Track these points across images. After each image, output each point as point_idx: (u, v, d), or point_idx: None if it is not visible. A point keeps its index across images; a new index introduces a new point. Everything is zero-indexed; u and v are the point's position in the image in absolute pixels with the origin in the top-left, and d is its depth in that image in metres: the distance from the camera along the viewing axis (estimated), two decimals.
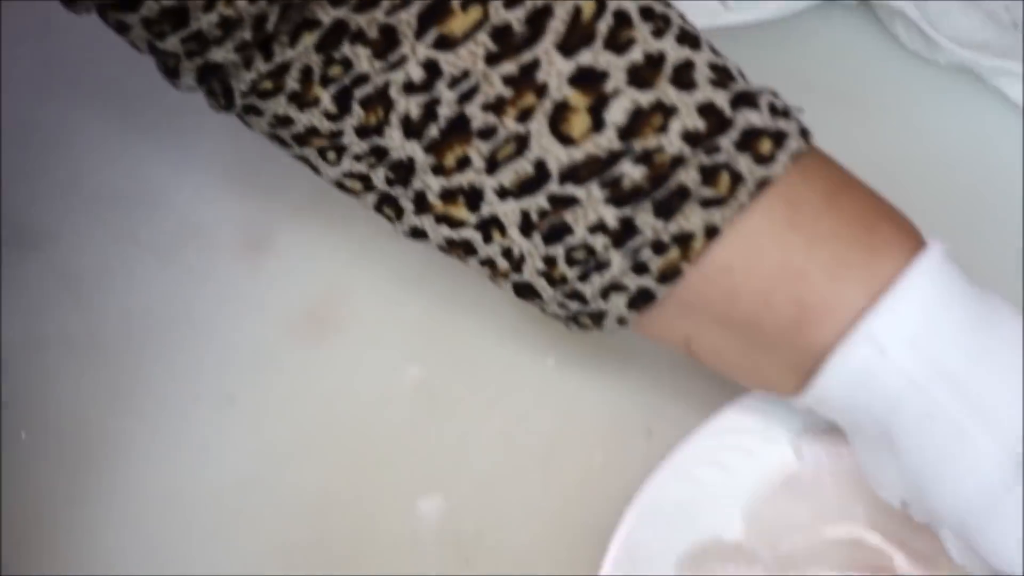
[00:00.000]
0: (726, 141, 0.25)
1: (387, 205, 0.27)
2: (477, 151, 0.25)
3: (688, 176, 0.24)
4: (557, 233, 0.25)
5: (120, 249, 0.35)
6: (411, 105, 0.25)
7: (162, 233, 0.36)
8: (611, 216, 0.25)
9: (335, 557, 0.30)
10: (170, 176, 0.36)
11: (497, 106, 0.25)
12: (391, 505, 0.31)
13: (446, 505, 0.31)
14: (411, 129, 0.25)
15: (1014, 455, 0.23)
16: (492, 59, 0.25)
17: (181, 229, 0.36)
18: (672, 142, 0.24)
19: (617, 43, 0.25)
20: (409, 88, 0.25)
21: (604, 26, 0.25)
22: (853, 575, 0.30)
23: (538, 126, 0.24)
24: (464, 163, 0.25)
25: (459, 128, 0.25)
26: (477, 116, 0.25)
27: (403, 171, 0.26)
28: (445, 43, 0.25)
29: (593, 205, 0.25)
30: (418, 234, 0.27)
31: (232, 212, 0.36)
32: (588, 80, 0.24)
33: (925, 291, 0.24)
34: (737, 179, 0.24)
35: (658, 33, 0.25)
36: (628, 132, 0.24)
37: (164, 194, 0.36)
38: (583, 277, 0.25)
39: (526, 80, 0.24)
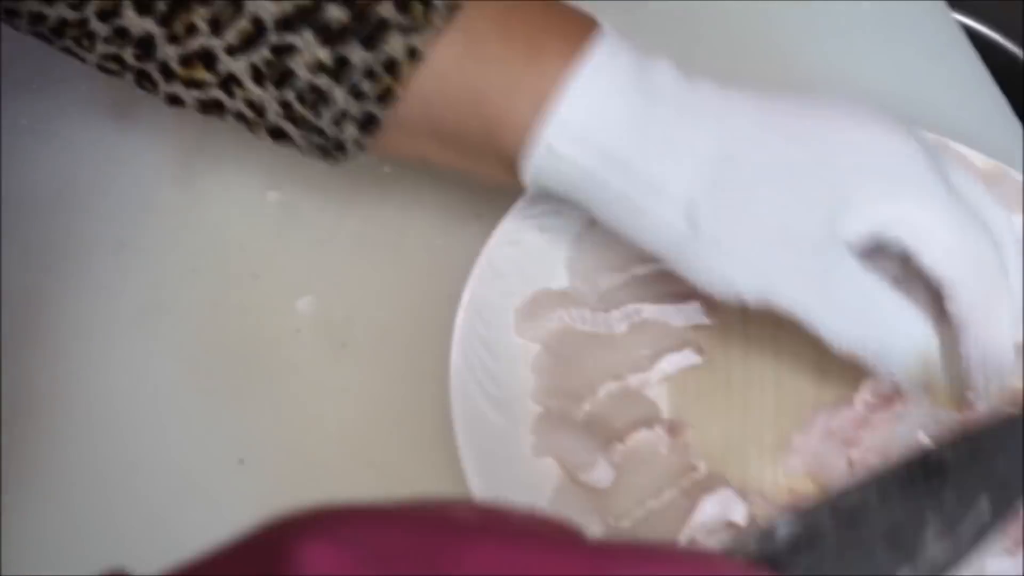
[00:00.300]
0: None
1: (144, 79, 0.31)
2: (201, 17, 0.29)
3: (386, 9, 0.28)
4: (284, 78, 0.29)
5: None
6: None
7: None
8: (326, 55, 0.29)
9: (235, 357, 0.35)
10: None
11: None
12: (273, 309, 0.36)
13: (318, 301, 0.36)
14: (142, 6, 0.29)
15: (686, 213, 0.29)
16: None
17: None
18: None
19: None
20: None
21: None
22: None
23: None
24: (192, 30, 0.29)
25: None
26: None
27: (145, 46, 0.29)
28: None
29: (309, 48, 0.29)
30: (176, 101, 0.31)
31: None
32: None
33: (587, 91, 0.29)
34: (428, 6, 0.29)
35: None
36: None
37: None
38: (316, 113, 0.30)
39: None
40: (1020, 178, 0.38)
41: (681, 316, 0.36)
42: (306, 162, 0.34)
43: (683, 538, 0.31)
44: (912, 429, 0.33)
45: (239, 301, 0.36)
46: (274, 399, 0.34)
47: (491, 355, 0.33)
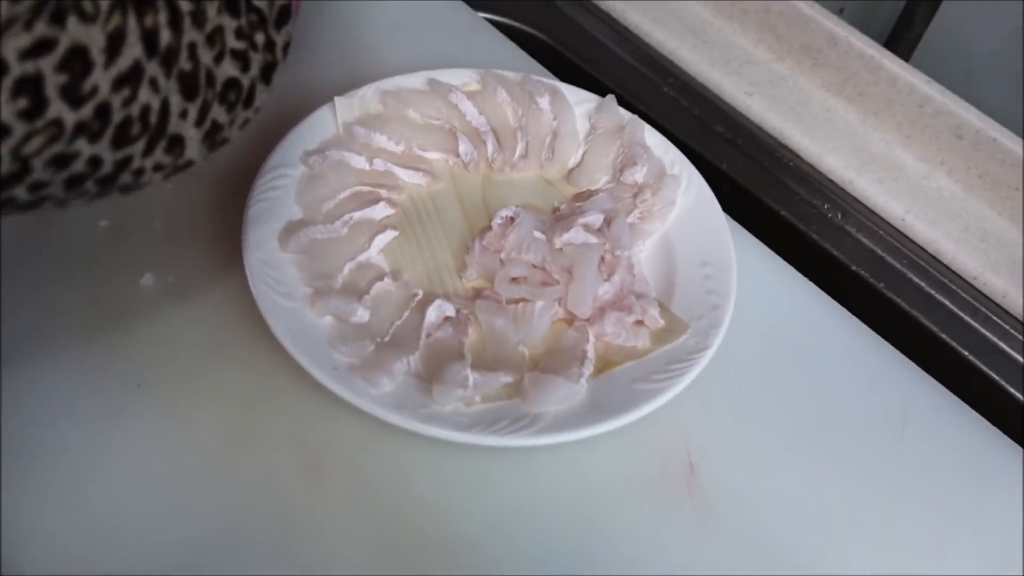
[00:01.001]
0: None
1: None
2: None
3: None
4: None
5: None
6: None
7: None
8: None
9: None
10: None
11: None
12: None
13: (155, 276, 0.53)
14: None
15: None
16: None
17: None
18: None
19: None
20: None
21: None
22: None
23: None
24: None
25: None
26: None
27: None
28: None
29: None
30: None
31: None
32: None
33: None
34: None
35: None
36: None
37: None
38: None
39: None
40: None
41: (376, 212, 0.56)
42: None
43: (423, 337, 0.51)
44: (527, 232, 0.55)
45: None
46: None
47: (271, 267, 0.51)
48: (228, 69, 0.35)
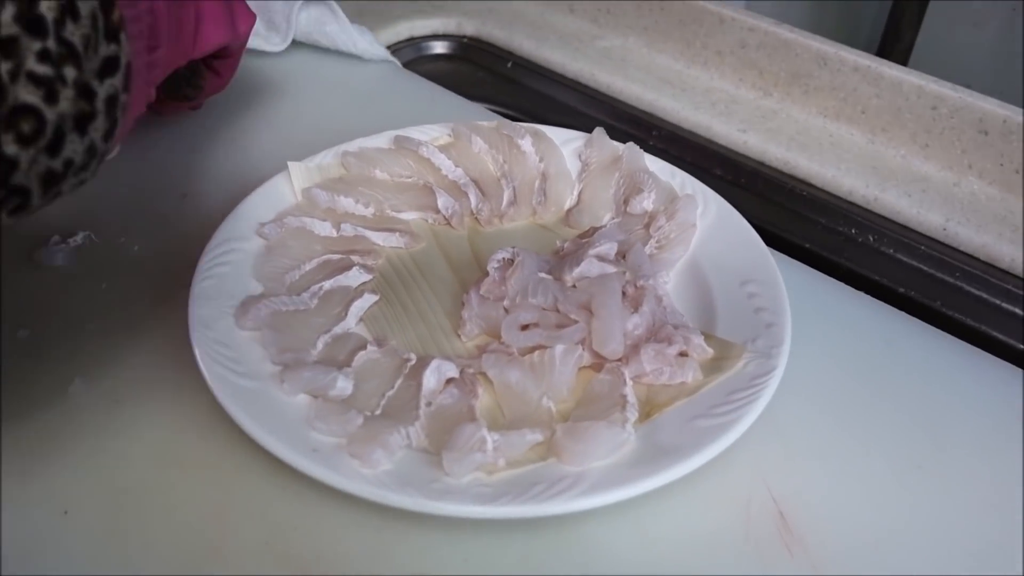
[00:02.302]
0: None
1: None
2: None
3: None
4: None
5: None
6: None
7: None
8: None
9: None
10: None
11: None
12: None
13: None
14: None
15: None
16: None
17: None
18: None
19: None
20: None
21: None
22: None
23: None
24: None
25: None
26: None
27: None
28: None
29: None
30: None
31: None
32: None
33: None
34: None
35: None
36: None
37: None
38: None
39: None
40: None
41: (351, 280, 0.47)
42: None
43: (422, 406, 0.41)
44: (531, 272, 0.46)
45: None
46: None
47: (225, 347, 0.42)
48: (23, 93, 0.30)
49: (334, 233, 0.50)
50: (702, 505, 0.38)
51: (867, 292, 0.51)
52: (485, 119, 0.59)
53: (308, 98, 0.66)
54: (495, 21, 0.81)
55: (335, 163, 0.54)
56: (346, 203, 0.51)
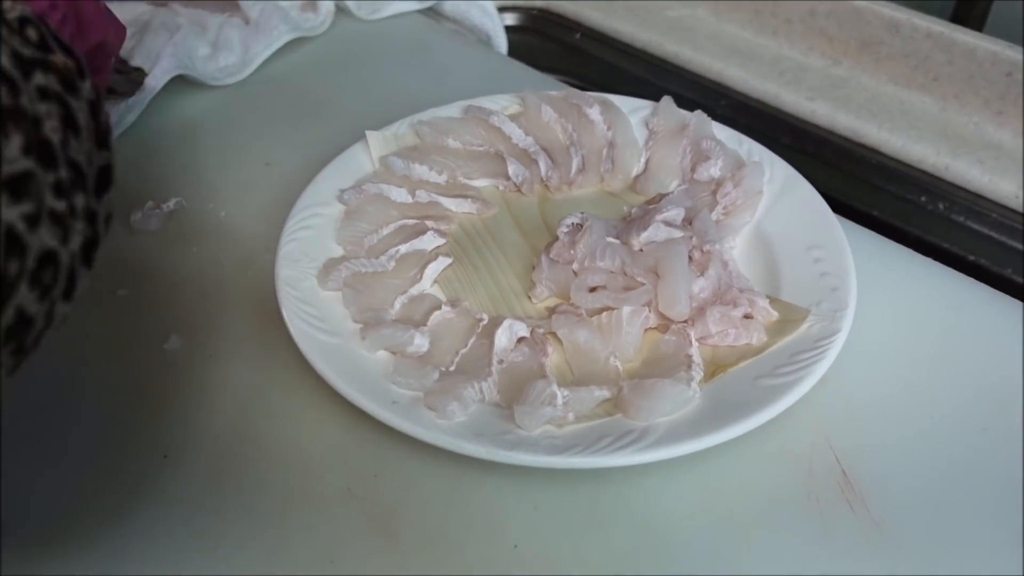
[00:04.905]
0: None
1: None
2: None
3: None
4: None
5: None
6: None
7: None
8: None
9: None
10: None
11: None
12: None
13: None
14: None
15: None
16: None
17: None
18: None
19: None
20: None
21: None
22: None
23: None
24: None
25: None
26: None
27: None
28: None
29: None
30: None
31: None
32: None
33: None
34: None
35: None
36: None
37: None
38: None
39: None
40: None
41: (426, 243, 0.49)
42: None
43: (494, 363, 0.43)
44: (599, 237, 0.47)
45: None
46: None
47: (309, 305, 0.44)
48: (45, 237, 0.24)
49: (410, 199, 0.52)
50: (765, 462, 0.40)
51: (936, 259, 0.51)
52: (554, 89, 0.61)
53: (382, 69, 0.68)
54: None
55: (410, 132, 0.56)
56: (421, 170, 0.53)
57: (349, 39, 0.72)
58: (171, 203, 0.54)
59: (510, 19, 0.84)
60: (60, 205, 0.25)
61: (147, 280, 0.49)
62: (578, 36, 0.80)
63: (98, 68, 0.51)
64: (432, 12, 0.77)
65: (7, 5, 0.25)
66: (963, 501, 0.38)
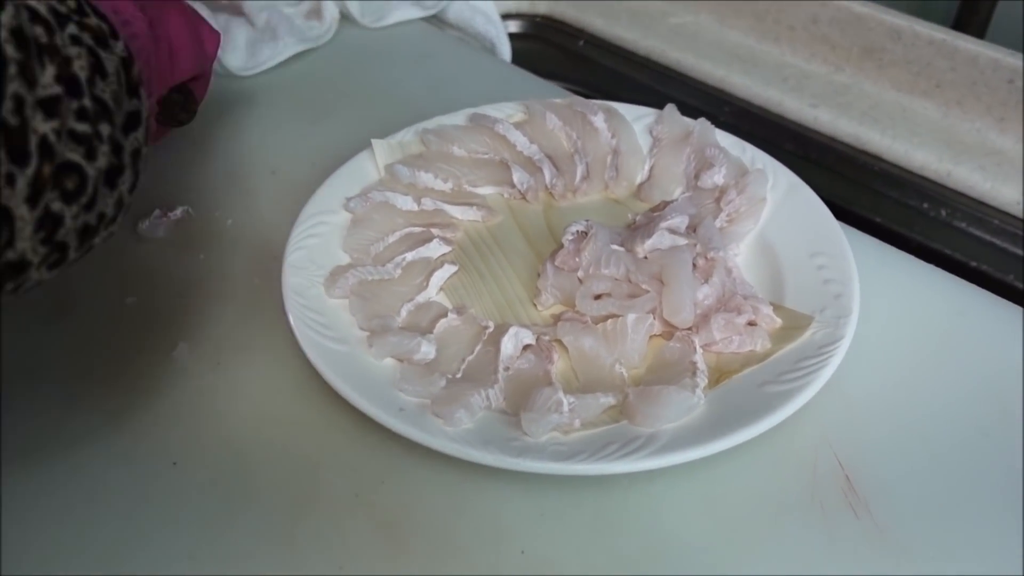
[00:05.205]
0: None
1: None
2: None
3: None
4: None
5: None
6: None
7: None
8: None
9: None
10: None
11: None
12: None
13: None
14: None
15: None
16: None
17: None
18: None
19: None
20: None
21: None
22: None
23: None
24: None
25: None
26: None
27: None
28: None
29: None
30: None
31: None
32: None
33: None
34: None
35: None
36: None
37: None
38: None
39: None
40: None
41: (431, 251, 0.50)
42: None
43: (500, 371, 0.43)
44: (604, 244, 0.48)
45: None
46: None
47: (317, 313, 0.44)
48: (67, 151, 0.30)
49: (415, 207, 0.52)
50: (769, 468, 0.40)
51: (938, 265, 0.51)
52: (558, 97, 0.61)
53: (386, 77, 0.68)
54: (566, 0, 0.82)
55: (415, 140, 0.56)
56: (426, 178, 0.53)
57: (354, 47, 0.72)
58: (178, 211, 0.54)
59: (513, 26, 0.85)
60: (83, 127, 0.30)
61: (155, 288, 0.50)
62: (581, 43, 0.80)
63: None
64: (436, 19, 0.77)
65: None
66: (965, 505, 0.39)
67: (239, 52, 0.67)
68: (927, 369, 0.44)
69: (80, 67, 0.30)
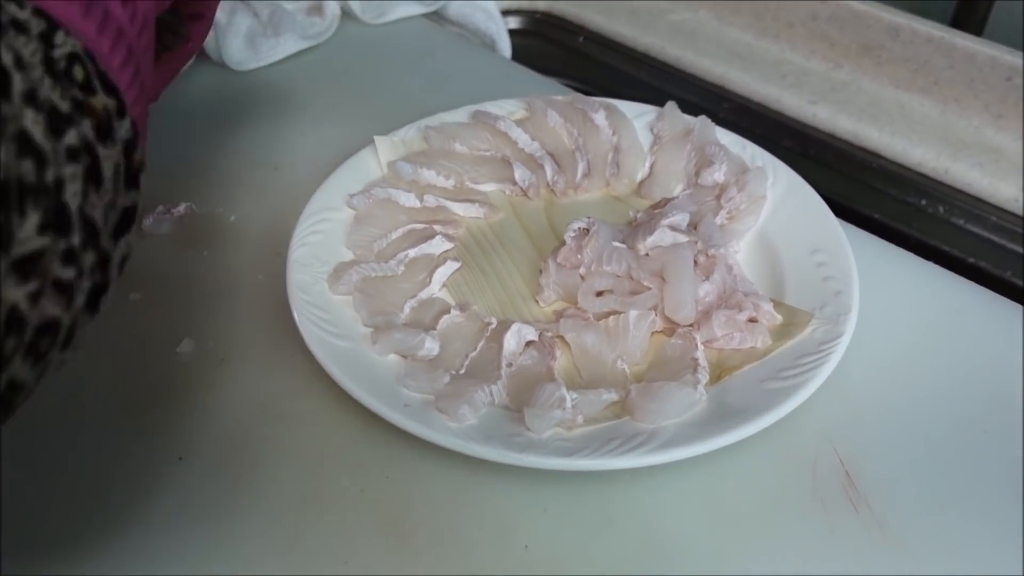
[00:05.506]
0: None
1: None
2: None
3: None
4: None
5: None
6: None
7: None
8: None
9: None
10: None
11: None
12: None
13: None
14: None
15: None
16: None
17: None
18: None
19: None
20: None
21: None
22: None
23: None
24: None
25: None
26: None
27: None
28: None
29: None
30: None
31: None
32: None
33: None
34: None
35: None
36: None
37: None
38: None
39: None
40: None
41: (434, 248, 0.50)
42: None
43: (503, 367, 0.44)
44: (606, 241, 0.48)
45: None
46: None
47: (321, 310, 0.45)
48: (47, 308, 0.24)
49: (418, 204, 0.52)
50: (770, 463, 0.40)
51: (937, 262, 0.51)
52: (559, 94, 0.61)
53: (388, 73, 0.69)
54: None
55: (417, 137, 0.56)
56: (428, 175, 0.54)
57: (355, 43, 0.72)
58: (181, 207, 0.55)
59: (513, 23, 0.85)
60: (68, 273, 0.25)
61: (159, 284, 0.50)
62: (581, 39, 0.81)
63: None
64: (436, 16, 0.77)
65: (59, 39, 0.26)
66: (964, 501, 0.39)
67: (239, 43, 0.67)
68: (926, 365, 0.45)
69: (73, 193, 0.25)
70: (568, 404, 0.40)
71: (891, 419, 0.42)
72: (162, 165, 0.58)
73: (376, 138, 0.55)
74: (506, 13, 0.84)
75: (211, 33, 0.65)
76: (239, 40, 0.67)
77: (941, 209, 0.61)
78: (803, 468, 0.40)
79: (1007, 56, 0.61)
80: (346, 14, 0.74)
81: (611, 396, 0.41)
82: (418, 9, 0.75)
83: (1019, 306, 0.48)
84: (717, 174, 0.53)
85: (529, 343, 0.45)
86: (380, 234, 0.50)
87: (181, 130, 0.62)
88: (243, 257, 0.51)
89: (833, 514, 0.38)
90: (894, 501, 0.39)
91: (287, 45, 0.69)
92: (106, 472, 0.41)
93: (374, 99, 0.66)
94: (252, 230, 0.53)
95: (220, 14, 0.67)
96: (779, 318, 0.44)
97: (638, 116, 0.58)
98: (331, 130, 0.61)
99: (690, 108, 0.58)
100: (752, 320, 0.44)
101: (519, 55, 0.78)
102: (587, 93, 0.60)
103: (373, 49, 0.72)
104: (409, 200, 0.52)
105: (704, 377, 0.42)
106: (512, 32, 0.82)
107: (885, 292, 0.48)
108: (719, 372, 0.43)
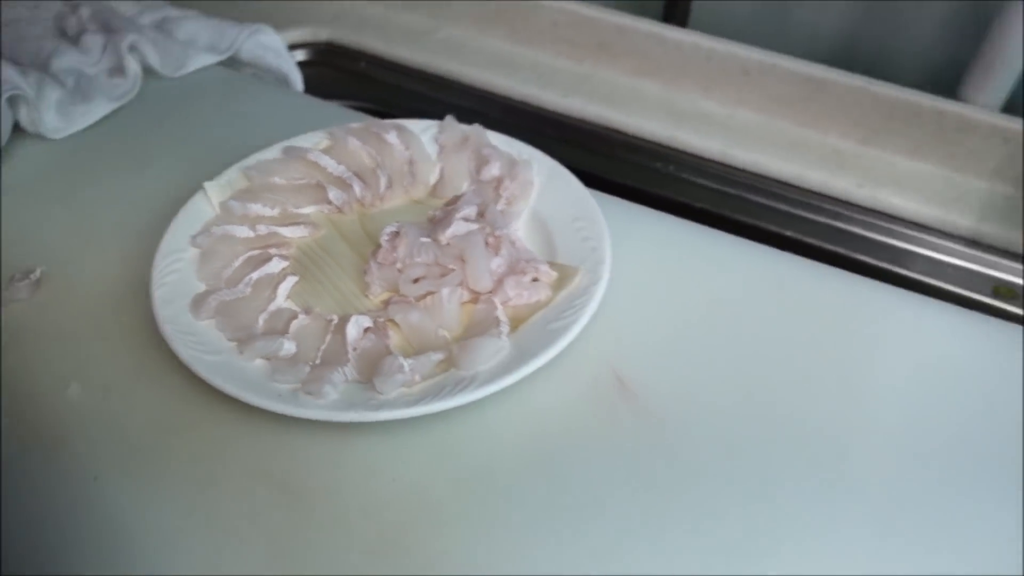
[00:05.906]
0: None
1: None
2: None
3: None
4: None
5: None
6: None
7: None
8: None
9: None
10: None
11: None
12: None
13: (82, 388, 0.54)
14: None
15: None
16: None
17: None
18: None
19: None
20: None
21: None
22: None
23: None
24: None
25: None
26: None
27: None
28: None
29: None
30: None
31: None
32: None
33: None
34: None
35: None
36: None
37: None
38: None
39: None
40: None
41: (273, 268, 0.60)
42: None
43: (350, 352, 0.54)
44: (414, 239, 0.60)
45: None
46: None
47: (191, 335, 0.54)
48: None
49: (252, 234, 0.62)
50: (563, 382, 0.54)
51: (675, 209, 0.67)
52: (352, 118, 0.72)
53: (199, 122, 0.77)
54: (345, 26, 0.93)
55: (240, 177, 0.66)
56: (256, 208, 0.63)
57: (161, 97, 0.80)
58: (36, 273, 0.61)
59: (301, 55, 0.94)
60: None
61: (35, 342, 0.57)
62: (363, 64, 0.91)
63: None
64: (232, 61, 0.86)
65: None
66: (707, 387, 0.54)
67: (51, 114, 0.74)
68: (672, 295, 0.60)
69: None
70: (406, 369, 0.51)
71: (649, 338, 0.57)
72: (7, 237, 0.65)
73: (206, 184, 0.64)
74: (293, 47, 0.94)
75: (23, 108, 0.71)
76: (51, 112, 0.74)
77: (671, 168, 0.77)
78: (588, 380, 0.54)
79: (705, 41, 0.78)
80: (147, 71, 0.81)
81: (438, 356, 0.53)
82: (213, 58, 0.83)
83: (738, 238, 0.64)
84: (493, 170, 0.65)
85: (367, 330, 0.56)
86: (225, 264, 0.60)
87: (17, 202, 0.68)
88: (107, 304, 0.59)
89: (613, 410, 0.52)
90: (655, 394, 0.53)
91: (98, 108, 0.75)
92: (27, 492, 0.49)
93: (190, 147, 0.74)
94: (107, 279, 0.61)
95: (28, 89, 0.73)
96: (554, 275, 0.58)
97: (424, 131, 0.70)
98: (157, 181, 0.69)
99: (465, 113, 0.71)
100: (535, 280, 0.57)
101: (310, 84, 0.88)
102: (375, 112, 0.71)
103: (180, 100, 0.80)
104: (243, 232, 0.62)
105: (505, 329, 0.54)
106: (301, 64, 0.92)
107: (635, 243, 0.63)
108: (516, 323, 0.56)
